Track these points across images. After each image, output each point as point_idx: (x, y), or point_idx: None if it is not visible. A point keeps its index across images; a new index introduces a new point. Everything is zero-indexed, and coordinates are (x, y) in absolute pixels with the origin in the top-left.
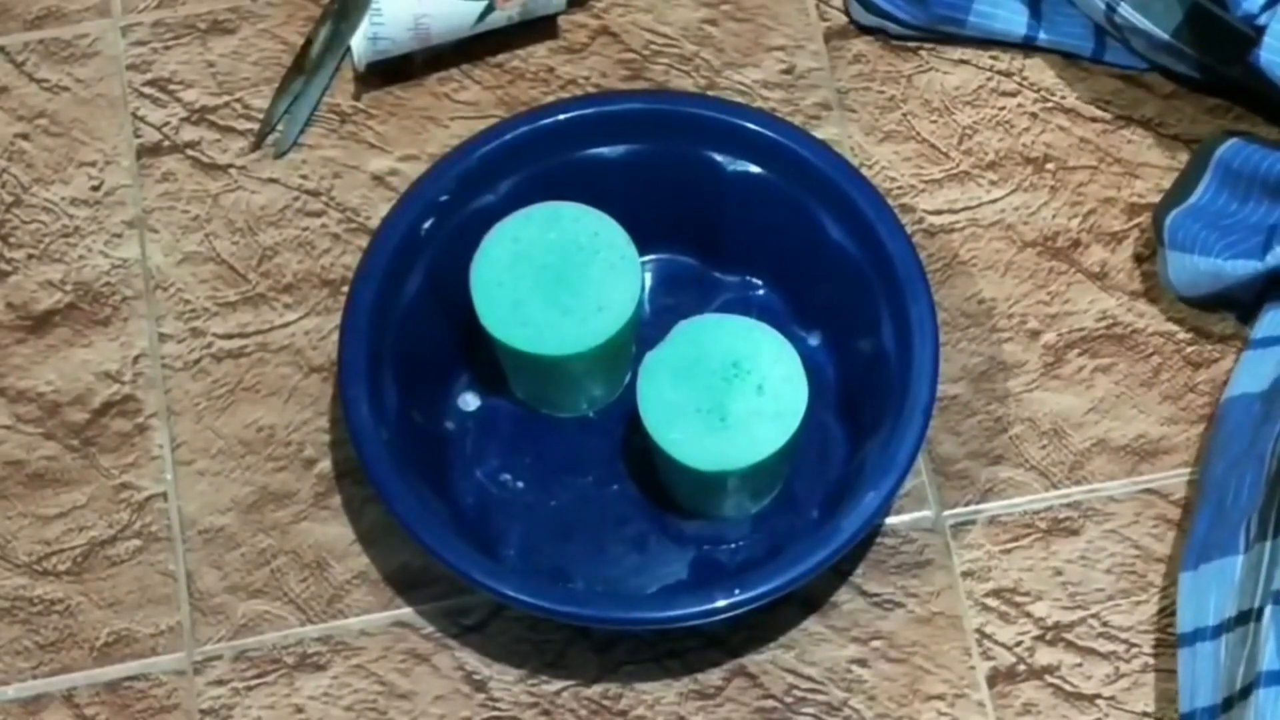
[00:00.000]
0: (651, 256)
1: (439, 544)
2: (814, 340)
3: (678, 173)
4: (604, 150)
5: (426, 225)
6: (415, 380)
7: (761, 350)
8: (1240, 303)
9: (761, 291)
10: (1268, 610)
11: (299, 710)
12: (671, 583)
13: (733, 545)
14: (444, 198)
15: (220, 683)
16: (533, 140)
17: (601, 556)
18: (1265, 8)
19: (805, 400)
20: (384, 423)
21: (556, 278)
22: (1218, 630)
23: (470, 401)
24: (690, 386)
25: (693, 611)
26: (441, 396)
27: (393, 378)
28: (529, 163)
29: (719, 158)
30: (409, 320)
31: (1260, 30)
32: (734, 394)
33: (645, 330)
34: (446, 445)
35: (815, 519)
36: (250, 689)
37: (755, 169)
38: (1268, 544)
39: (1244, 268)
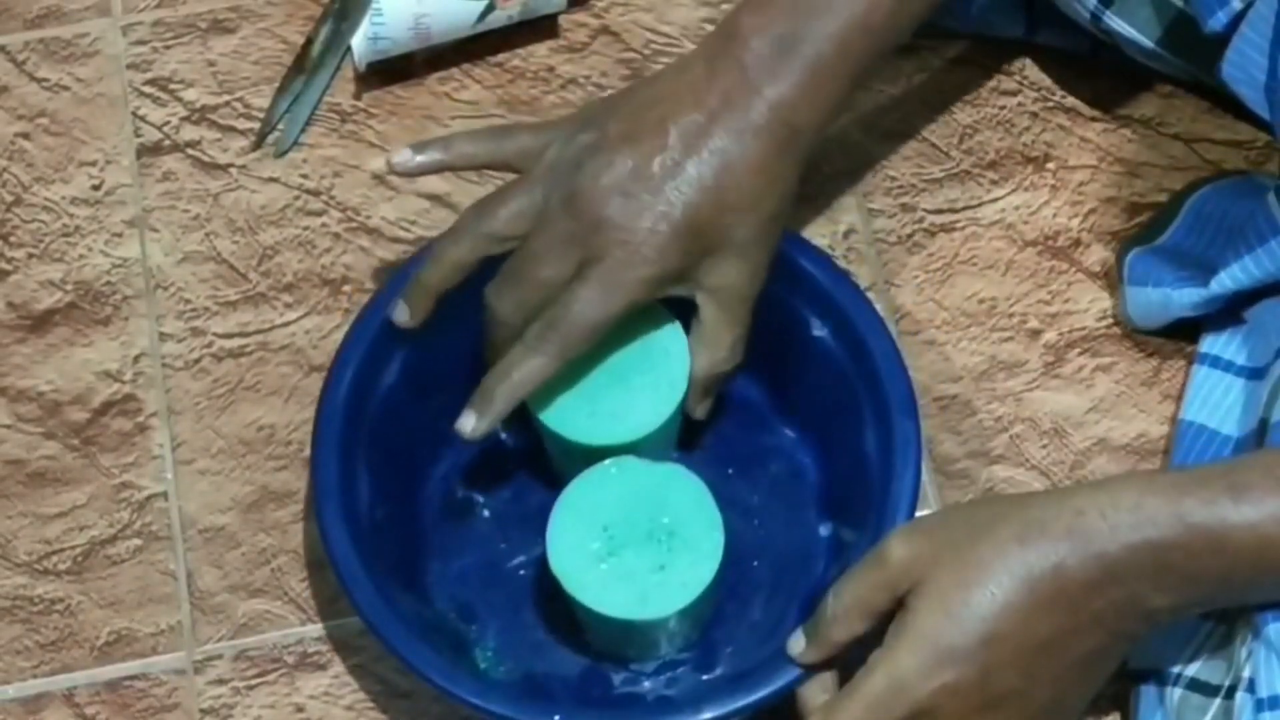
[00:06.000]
0: None
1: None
2: (807, 459)
3: None
4: None
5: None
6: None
7: (699, 540)
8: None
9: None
10: (1239, 696)
11: (299, 710)
12: (555, 678)
13: (631, 672)
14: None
15: (221, 682)
16: None
17: (514, 619)
18: (1231, 25)
19: (706, 582)
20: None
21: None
22: (1162, 679)
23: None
24: (613, 518)
25: None
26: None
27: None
28: None
29: None
30: (386, 408)
31: (1227, 44)
32: (642, 550)
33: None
34: (427, 446)
35: (715, 679)
36: (251, 688)
37: None
38: (1237, 629)
39: (1189, 295)
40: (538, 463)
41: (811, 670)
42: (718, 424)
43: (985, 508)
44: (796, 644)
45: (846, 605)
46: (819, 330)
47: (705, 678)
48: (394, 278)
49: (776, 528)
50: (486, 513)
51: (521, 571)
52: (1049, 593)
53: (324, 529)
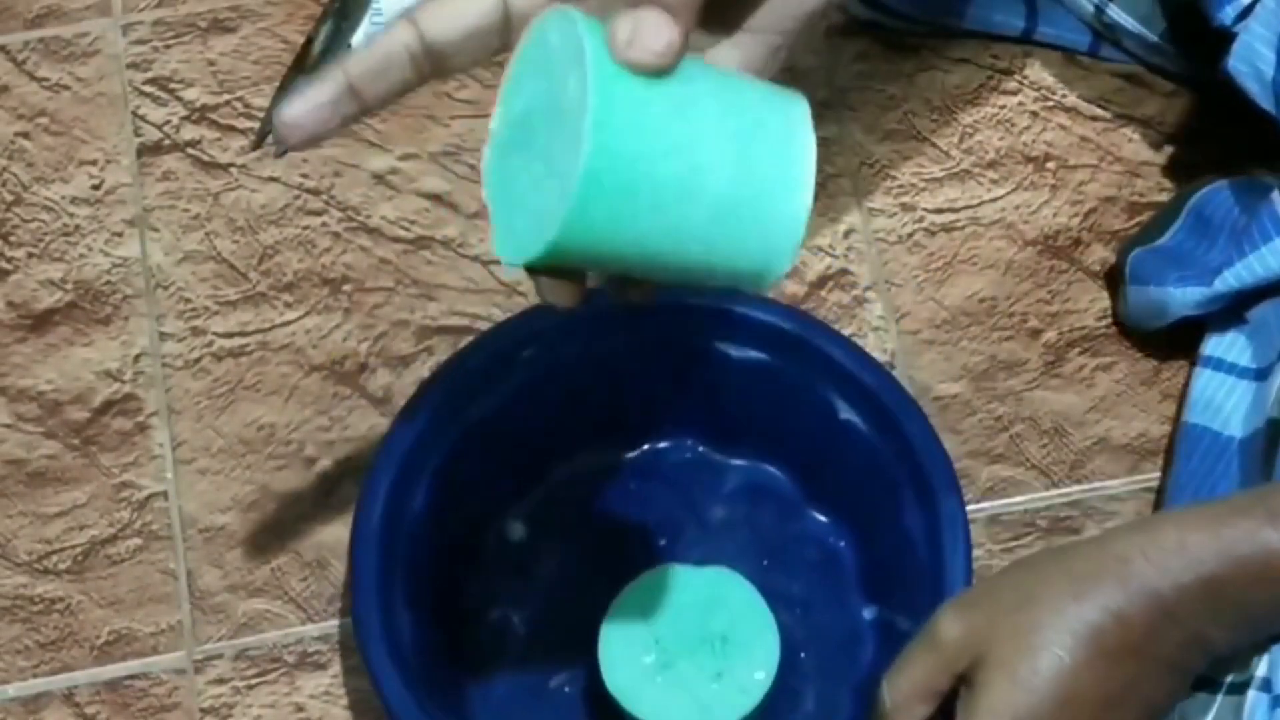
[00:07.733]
0: (657, 444)
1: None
2: (844, 546)
3: (681, 361)
4: (612, 341)
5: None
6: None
7: (753, 643)
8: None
9: (774, 473)
10: (1250, 694)
11: (299, 709)
12: None
13: None
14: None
15: (221, 681)
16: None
17: (538, 701)
18: (1239, 19)
19: (766, 686)
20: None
21: None
22: None
23: (518, 530)
24: (663, 629)
25: None
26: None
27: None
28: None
29: (724, 346)
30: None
31: (1233, 39)
32: (697, 659)
33: (646, 517)
34: (459, 568)
35: None
36: (251, 688)
37: (760, 355)
38: None
39: (1191, 295)
40: (570, 578)
41: None
42: (748, 516)
43: (1028, 571)
44: None
45: (906, 694)
46: (846, 414)
47: None
48: (424, 392)
49: (820, 615)
50: (523, 632)
51: (566, 689)
52: (1114, 643)
53: (372, 668)
